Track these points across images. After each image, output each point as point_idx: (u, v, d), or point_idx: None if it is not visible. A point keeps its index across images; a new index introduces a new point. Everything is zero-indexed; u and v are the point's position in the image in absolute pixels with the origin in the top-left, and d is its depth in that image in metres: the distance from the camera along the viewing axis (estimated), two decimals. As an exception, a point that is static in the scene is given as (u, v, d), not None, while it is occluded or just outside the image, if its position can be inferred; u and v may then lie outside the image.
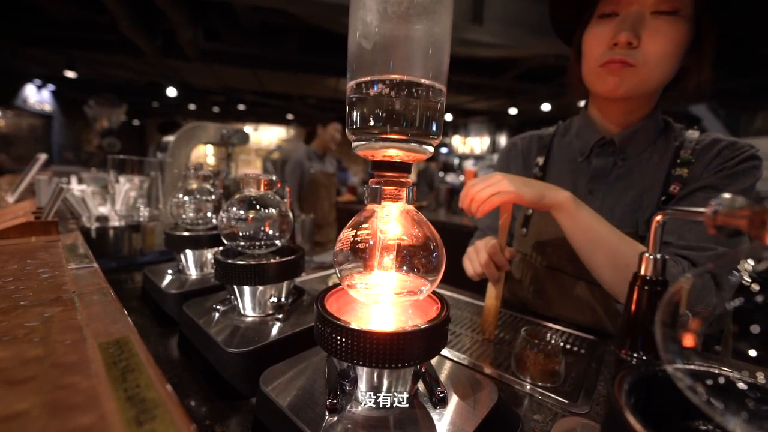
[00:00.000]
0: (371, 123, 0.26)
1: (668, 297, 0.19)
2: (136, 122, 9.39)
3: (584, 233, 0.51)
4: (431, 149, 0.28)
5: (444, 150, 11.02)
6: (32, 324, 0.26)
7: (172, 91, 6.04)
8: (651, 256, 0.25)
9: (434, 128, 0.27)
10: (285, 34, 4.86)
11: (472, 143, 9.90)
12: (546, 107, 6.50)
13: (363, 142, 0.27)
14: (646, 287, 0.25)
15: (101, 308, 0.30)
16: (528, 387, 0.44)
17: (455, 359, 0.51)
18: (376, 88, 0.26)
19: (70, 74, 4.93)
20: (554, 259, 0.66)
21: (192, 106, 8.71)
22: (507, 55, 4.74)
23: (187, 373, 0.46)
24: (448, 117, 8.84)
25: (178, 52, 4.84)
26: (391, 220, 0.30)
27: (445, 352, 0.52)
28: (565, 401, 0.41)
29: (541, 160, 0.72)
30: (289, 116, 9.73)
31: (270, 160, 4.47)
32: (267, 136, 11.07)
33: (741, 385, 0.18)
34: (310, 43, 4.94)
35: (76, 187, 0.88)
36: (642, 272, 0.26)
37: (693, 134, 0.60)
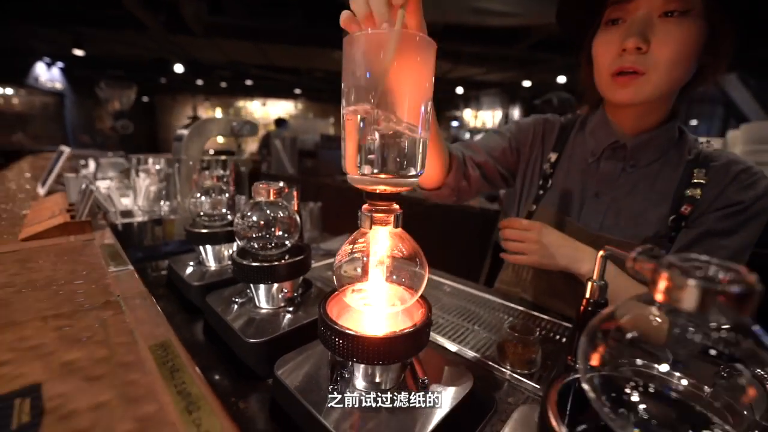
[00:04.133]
0: (363, 164, 0.31)
1: (595, 320, 0.24)
2: (145, 99, 9.40)
3: None
4: (416, 180, 0.33)
5: (455, 123, 10.81)
6: (93, 327, 0.33)
7: (179, 68, 6.01)
8: (596, 283, 0.30)
9: (417, 166, 0.32)
10: (289, 6, 4.71)
11: (484, 117, 9.66)
12: (562, 79, 6.26)
13: (356, 177, 0.32)
14: (590, 308, 0.30)
15: (145, 312, 0.36)
16: (507, 374, 0.50)
17: (445, 345, 0.57)
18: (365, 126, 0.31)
19: (78, 52, 4.94)
20: None
21: (199, 82, 8.65)
22: (520, 23, 4.54)
23: (214, 355, 0.54)
24: (459, 90, 8.60)
25: (182, 28, 4.78)
26: (382, 241, 0.35)
27: (437, 338, 0.58)
28: (538, 386, 0.47)
29: (553, 157, 0.72)
30: (297, 90, 9.60)
31: (279, 138, 4.47)
32: (275, 110, 10.99)
33: (644, 397, 0.23)
34: (316, 15, 4.79)
35: (101, 184, 0.95)
36: (587, 296, 0.31)
37: (708, 149, 0.60)
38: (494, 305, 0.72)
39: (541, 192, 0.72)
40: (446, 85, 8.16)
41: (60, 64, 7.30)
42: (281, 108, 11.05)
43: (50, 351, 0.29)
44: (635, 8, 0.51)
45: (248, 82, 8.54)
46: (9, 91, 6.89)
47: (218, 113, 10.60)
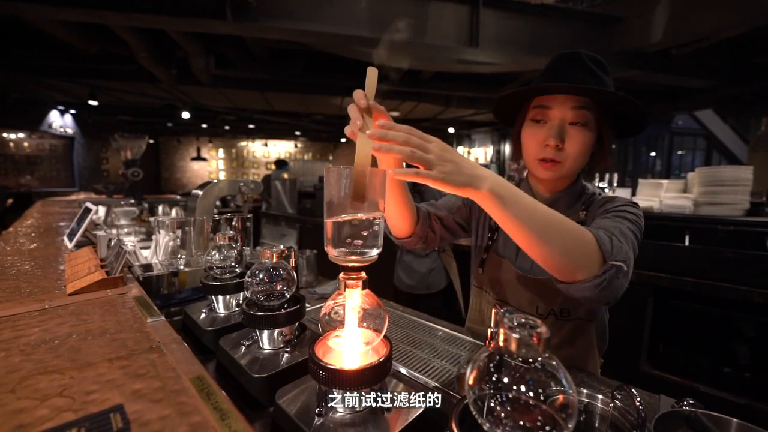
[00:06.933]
0: (340, 247, 0.45)
1: (473, 360, 0.37)
2: (150, 141, 9.81)
3: (512, 228, 0.54)
4: (375, 257, 0.47)
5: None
6: (146, 366, 0.46)
7: (186, 114, 6.39)
8: (493, 330, 0.44)
9: (375, 248, 0.46)
10: (292, 58, 5.13)
11: (477, 153, 10.05)
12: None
13: (333, 257, 0.47)
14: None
15: (181, 354, 0.49)
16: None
17: (411, 376, 0.69)
18: (339, 224, 0.46)
19: (93, 103, 5.30)
20: (501, 293, 0.84)
21: (204, 125, 9.09)
22: (502, 71, 4.95)
23: (225, 387, 0.65)
24: (451, 130, 9.05)
25: (191, 79, 5.16)
26: (354, 299, 0.49)
27: (402, 370, 0.71)
28: (484, 409, 0.59)
29: None
30: (297, 132, 10.06)
31: (278, 179, 4.67)
32: (276, 149, 11.44)
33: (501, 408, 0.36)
34: (316, 65, 5.20)
35: (127, 240, 1.09)
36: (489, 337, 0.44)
37: (599, 196, 0.80)
38: (459, 341, 0.85)
39: (491, 242, 0.89)
40: (439, 124, 8.60)
41: (72, 110, 7.73)
42: (282, 147, 11.50)
43: (121, 383, 0.42)
44: (553, 116, 0.73)
45: (251, 126, 8.98)
46: (21, 135, 7.25)
47: (221, 153, 11.02)
